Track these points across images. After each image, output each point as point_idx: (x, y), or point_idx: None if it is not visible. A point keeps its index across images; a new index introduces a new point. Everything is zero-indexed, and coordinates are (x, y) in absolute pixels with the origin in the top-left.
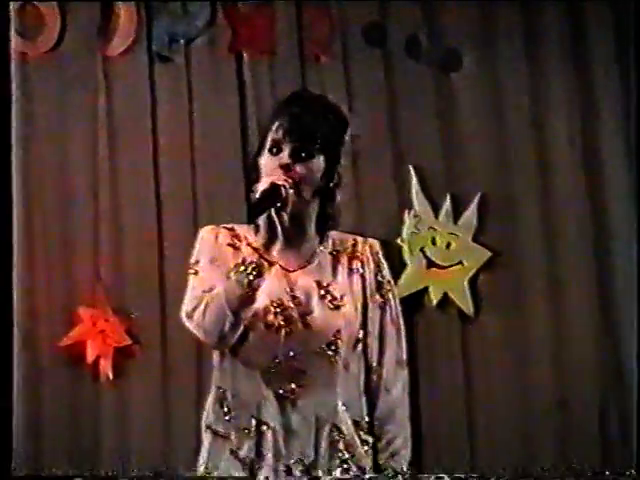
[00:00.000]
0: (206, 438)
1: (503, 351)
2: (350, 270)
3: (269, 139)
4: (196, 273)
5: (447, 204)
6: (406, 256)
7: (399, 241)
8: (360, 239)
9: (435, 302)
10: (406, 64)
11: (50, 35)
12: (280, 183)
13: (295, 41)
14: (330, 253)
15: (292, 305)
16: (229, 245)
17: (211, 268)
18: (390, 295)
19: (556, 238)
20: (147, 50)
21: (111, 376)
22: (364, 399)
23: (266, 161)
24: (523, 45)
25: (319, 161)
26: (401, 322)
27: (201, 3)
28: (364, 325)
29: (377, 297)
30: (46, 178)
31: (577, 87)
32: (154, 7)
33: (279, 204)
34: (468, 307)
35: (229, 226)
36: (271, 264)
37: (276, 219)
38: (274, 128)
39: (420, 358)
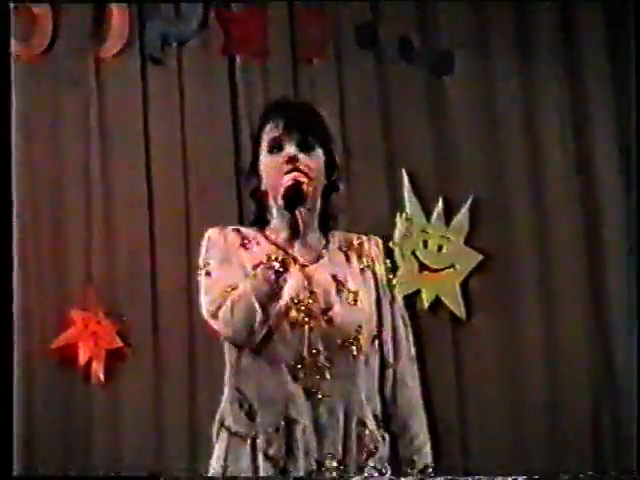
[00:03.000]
0: (222, 439)
1: (495, 354)
2: (362, 268)
3: (265, 141)
4: (208, 274)
5: (439, 207)
6: (398, 259)
7: (391, 244)
8: (364, 237)
9: (427, 305)
10: (399, 66)
11: (43, 37)
12: (301, 180)
13: (287, 43)
14: (339, 249)
15: (311, 301)
16: (240, 246)
17: (225, 268)
18: (396, 291)
19: (548, 241)
20: (140, 52)
21: (103, 378)
22: (379, 395)
23: (267, 162)
24: (516, 48)
25: (319, 154)
26: (407, 318)
27: (193, 5)
28: (379, 321)
29: (387, 293)
30: (38, 180)
31: (569, 90)
32: (147, 10)
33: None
34: (460, 310)
35: (235, 228)
36: (295, 260)
37: (298, 215)
38: (269, 130)
39: None
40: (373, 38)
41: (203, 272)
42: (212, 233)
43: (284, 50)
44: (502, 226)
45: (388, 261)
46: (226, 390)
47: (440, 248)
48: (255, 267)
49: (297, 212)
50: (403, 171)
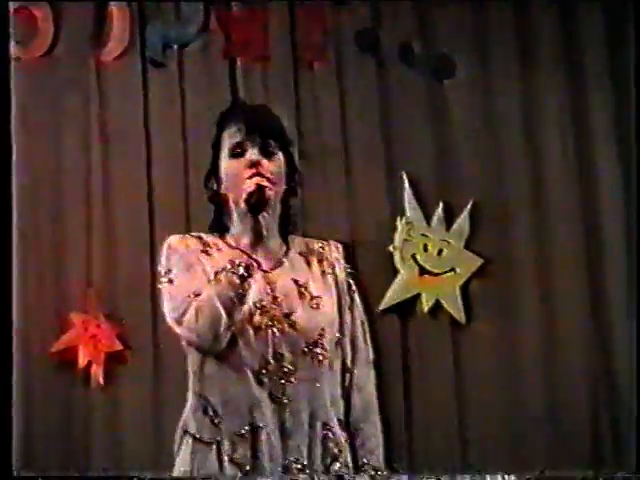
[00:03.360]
0: (186, 446)
1: (495, 358)
2: (322, 272)
3: (226, 146)
4: (171, 282)
5: (439, 211)
6: (398, 263)
7: (391, 248)
8: (324, 242)
9: (427, 309)
10: (399, 71)
11: (44, 40)
12: (264, 184)
13: (289, 47)
14: (299, 254)
15: (274, 306)
16: (202, 252)
17: (187, 275)
18: (356, 296)
19: (548, 245)
20: (140, 55)
21: (102, 381)
22: (342, 398)
23: (228, 166)
24: (516, 52)
25: (280, 158)
26: (366, 323)
27: (194, 8)
28: (340, 325)
29: (347, 298)
30: (38, 183)
31: (570, 94)
32: (148, 12)
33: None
34: (460, 314)
35: (196, 234)
36: (258, 264)
37: (261, 219)
38: (232, 133)
39: (412, 365)
40: (374, 42)
41: (165, 280)
42: (173, 240)
43: (285, 53)
44: (502, 230)
45: (348, 266)
46: (189, 398)
47: (440, 252)
48: (217, 273)
49: (260, 217)
50: (404, 175)
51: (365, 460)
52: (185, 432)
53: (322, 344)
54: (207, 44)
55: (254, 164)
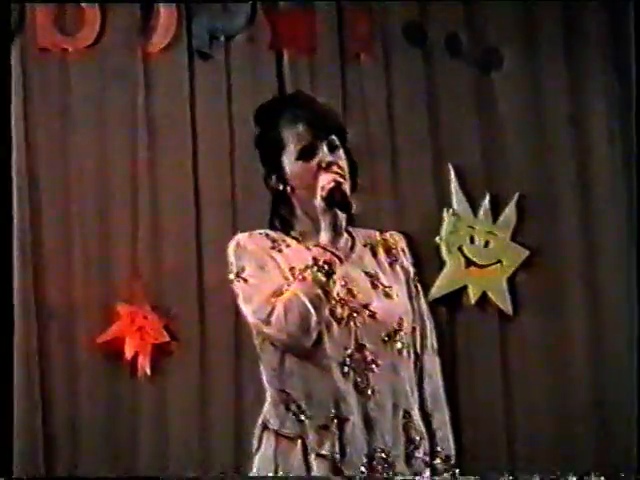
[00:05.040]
0: (269, 442)
1: (542, 350)
2: (390, 262)
3: (294, 146)
4: (245, 281)
5: (486, 203)
6: (445, 255)
7: (438, 240)
8: (386, 232)
9: (474, 301)
10: (446, 63)
11: (90, 31)
12: (341, 180)
13: (335, 39)
14: (364, 246)
15: (350, 297)
16: (272, 249)
17: (262, 273)
18: (419, 285)
19: (594, 237)
20: (187, 47)
21: (149, 372)
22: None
23: (299, 167)
24: (563, 44)
25: (342, 153)
26: (429, 312)
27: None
28: (412, 313)
29: (413, 287)
30: (85, 174)
31: (617, 86)
32: (194, 4)
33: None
34: (507, 306)
35: (262, 232)
36: (340, 260)
37: (340, 215)
38: (298, 133)
39: (459, 357)
40: (421, 34)
41: (239, 279)
42: (241, 238)
43: (332, 46)
44: (549, 222)
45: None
46: (268, 393)
47: (487, 244)
48: (299, 270)
49: (339, 213)
50: (450, 167)
51: (439, 448)
52: (265, 428)
53: (400, 333)
54: (254, 36)
55: (329, 165)
